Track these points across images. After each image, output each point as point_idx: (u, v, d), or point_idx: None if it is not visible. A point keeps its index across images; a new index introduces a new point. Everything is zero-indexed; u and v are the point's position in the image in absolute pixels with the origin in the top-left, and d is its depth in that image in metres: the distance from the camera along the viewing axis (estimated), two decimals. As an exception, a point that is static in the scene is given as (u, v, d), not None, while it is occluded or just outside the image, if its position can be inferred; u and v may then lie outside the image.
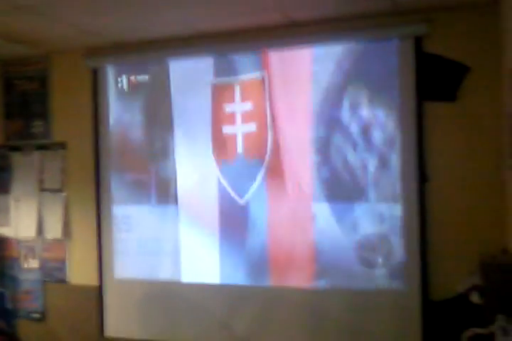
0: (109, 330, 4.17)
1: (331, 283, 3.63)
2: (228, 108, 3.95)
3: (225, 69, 3.93)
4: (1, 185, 4.52)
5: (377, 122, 3.55)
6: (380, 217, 3.52)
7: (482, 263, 2.71)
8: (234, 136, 3.93)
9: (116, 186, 4.20)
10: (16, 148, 4.48)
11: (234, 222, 3.89)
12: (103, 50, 4.15)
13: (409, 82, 3.45)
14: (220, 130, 3.95)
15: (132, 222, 4.13)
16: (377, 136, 3.55)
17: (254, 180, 3.85)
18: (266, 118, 3.84)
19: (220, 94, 3.97)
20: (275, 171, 3.80)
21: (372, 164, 3.55)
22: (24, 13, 3.36)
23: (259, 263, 3.81)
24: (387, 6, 3.35)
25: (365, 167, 3.57)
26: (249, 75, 3.88)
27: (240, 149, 3.92)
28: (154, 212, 4.08)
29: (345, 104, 3.61)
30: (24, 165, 4.46)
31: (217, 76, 3.97)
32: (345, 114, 3.61)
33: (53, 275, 4.36)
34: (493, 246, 3.11)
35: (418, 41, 3.43)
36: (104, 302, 4.17)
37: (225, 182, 3.94)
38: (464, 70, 3.36)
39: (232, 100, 3.93)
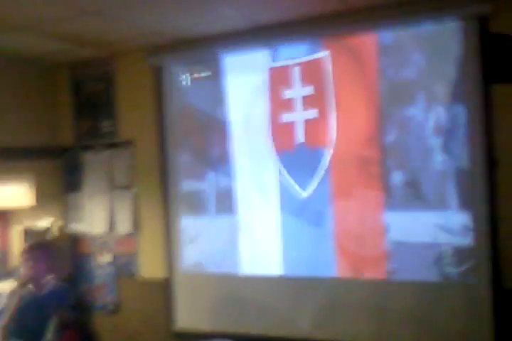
0: (179, 323, 4.25)
1: (400, 275, 3.54)
2: (287, 93, 3.84)
3: (283, 52, 3.82)
4: (74, 183, 4.70)
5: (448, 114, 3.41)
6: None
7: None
8: (294, 124, 3.81)
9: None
10: (86, 148, 4.65)
11: (296, 215, 3.83)
12: (165, 48, 4.22)
13: (475, 65, 3.31)
14: (279, 118, 3.85)
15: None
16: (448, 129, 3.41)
17: (318, 170, 3.74)
18: (329, 104, 3.68)
19: (278, 79, 3.85)
20: (340, 160, 3.69)
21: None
22: (91, 17, 3.48)
23: (325, 255, 3.75)
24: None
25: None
26: (310, 56, 3.72)
27: (300, 138, 3.80)
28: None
29: (419, 99, 3.48)
30: (95, 164, 4.62)
31: (275, 60, 3.87)
32: (419, 111, 3.48)
33: (125, 269, 4.50)
34: None
35: (482, 21, 3.29)
36: (173, 295, 4.26)
37: (285, 174, 3.87)
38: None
39: (291, 85, 3.82)
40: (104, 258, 4.58)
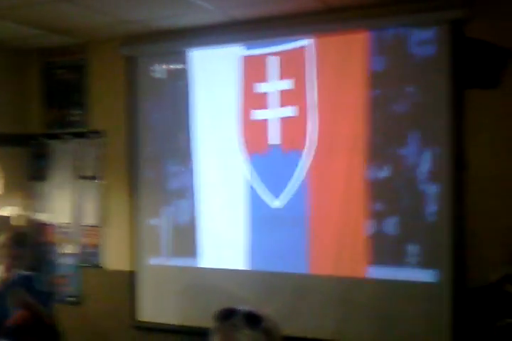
0: (142, 315, 4.22)
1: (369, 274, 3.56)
2: (262, 87, 3.52)
3: (258, 39, 3.50)
4: (39, 172, 4.62)
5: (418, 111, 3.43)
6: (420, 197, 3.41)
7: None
8: (268, 123, 3.50)
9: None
10: (54, 136, 4.57)
11: (267, 224, 3.63)
12: (138, 39, 4.17)
13: (448, 70, 3.36)
14: (251, 115, 3.56)
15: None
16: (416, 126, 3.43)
17: (293, 177, 3.40)
18: (310, 101, 3.35)
19: (251, 69, 3.53)
20: (321, 167, 3.42)
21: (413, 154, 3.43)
22: (63, 3, 3.42)
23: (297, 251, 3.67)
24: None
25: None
26: (290, 44, 3.36)
27: (275, 139, 3.48)
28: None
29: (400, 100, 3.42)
30: (62, 153, 4.56)
31: (249, 48, 3.58)
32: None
33: (89, 260, 4.45)
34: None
35: (458, 25, 3.34)
36: (138, 288, 4.23)
37: (256, 179, 3.58)
38: (507, 55, 3.26)
39: (267, 77, 3.50)
40: (69, 249, 4.52)
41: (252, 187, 3.68)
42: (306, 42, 3.41)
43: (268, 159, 3.57)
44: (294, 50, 3.42)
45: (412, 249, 3.42)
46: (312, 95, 3.43)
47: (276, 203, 3.55)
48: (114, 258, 4.36)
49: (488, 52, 3.31)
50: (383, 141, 3.50)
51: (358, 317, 3.57)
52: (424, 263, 3.41)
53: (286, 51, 3.46)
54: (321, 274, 3.67)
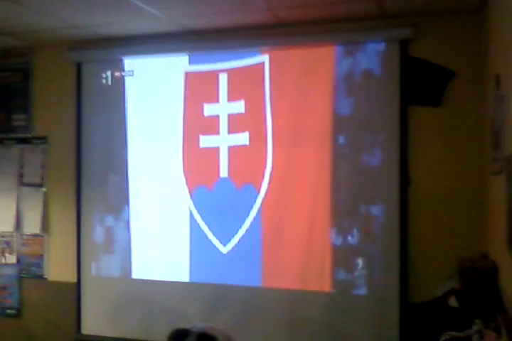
0: (86, 328, 4.11)
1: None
2: (210, 110, 3.25)
3: (206, 53, 3.24)
4: (-20, 178, 4.43)
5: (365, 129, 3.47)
6: (364, 220, 3.49)
7: (461, 267, 2.73)
8: (215, 151, 3.15)
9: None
10: (-4, 141, 4.41)
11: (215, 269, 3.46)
12: (87, 44, 4.08)
13: (394, 86, 3.44)
14: (196, 142, 3.28)
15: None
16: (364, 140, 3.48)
17: (245, 217, 3.06)
18: (265, 126, 3.12)
19: (196, 88, 3.27)
20: (275, 204, 3.18)
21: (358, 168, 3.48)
22: (8, 3, 3.30)
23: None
24: (373, 9, 3.35)
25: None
26: (243, 61, 3.12)
27: (224, 171, 3.18)
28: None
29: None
30: (4, 159, 4.39)
31: (194, 62, 3.31)
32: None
33: (30, 270, 4.30)
34: (473, 251, 3.13)
35: (404, 45, 3.43)
36: (81, 300, 4.11)
37: (199, 219, 3.28)
38: (449, 75, 3.37)
39: (215, 98, 3.31)
40: (8, 259, 4.35)
41: (194, 230, 3.39)
42: (260, 60, 3.22)
43: (215, 195, 3.25)
44: (247, 67, 3.20)
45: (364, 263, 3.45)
46: (267, 120, 3.19)
47: (224, 250, 3.30)
48: (58, 269, 4.23)
49: (431, 71, 3.41)
50: (347, 166, 3.49)
51: (305, 331, 3.58)
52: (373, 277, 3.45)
53: (237, 68, 3.22)
54: (271, 287, 3.62)
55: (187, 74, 3.43)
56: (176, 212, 3.61)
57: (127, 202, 3.96)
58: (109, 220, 4.05)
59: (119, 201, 4.00)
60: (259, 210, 3.11)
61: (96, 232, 4.11)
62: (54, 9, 3.41)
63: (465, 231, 3.32)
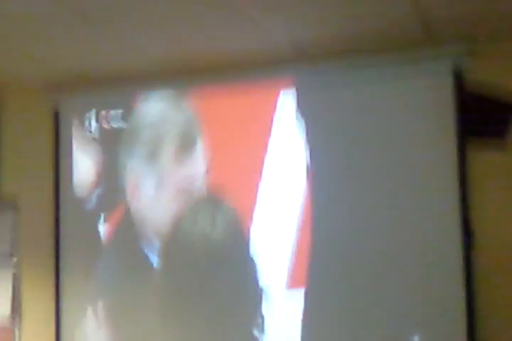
0: None
1: None
2: None
3: None
4: None
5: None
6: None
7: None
8: None
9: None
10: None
11: None
12: (67, 88, 3.51)
13: (449, 125, 2.88)
14: None
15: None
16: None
17: None
18: None
19: None
20: None
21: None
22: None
23: None
24: (420, 34, 2.79)
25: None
26: None
27: None
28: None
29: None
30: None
31: None
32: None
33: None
34: None
35: (458, 77, 2.87)
36: None
37: None
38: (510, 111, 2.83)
39: None
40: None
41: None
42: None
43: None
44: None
45: None
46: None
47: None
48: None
49: (492, 108, 2.87)
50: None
51: None
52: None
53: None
54: None
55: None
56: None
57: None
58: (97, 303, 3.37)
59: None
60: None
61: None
62: (20, 45, 2.84)
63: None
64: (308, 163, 3.07)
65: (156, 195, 3.26)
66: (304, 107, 3.11)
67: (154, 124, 3.30)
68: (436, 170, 2.90)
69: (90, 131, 3.48)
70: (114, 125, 3.40)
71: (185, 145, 3.22)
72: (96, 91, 3.46)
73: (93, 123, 3.47)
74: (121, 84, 3.39)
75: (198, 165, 3.20)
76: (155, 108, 3.34)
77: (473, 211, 2.86)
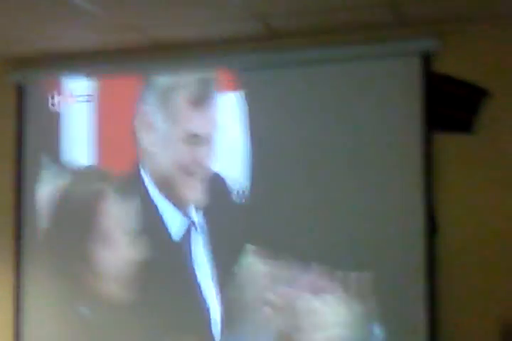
0: None
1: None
2: None
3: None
4: None
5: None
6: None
7: (505, 332, 2.48)
8: None
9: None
10: None
11: None
12: (33, 62, 3.38)
13: (415, 110, 2.82)
14: None
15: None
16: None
17: None
18: None
19: None
20: None
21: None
22: None
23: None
24: (388, 16, 2.74)
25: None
26: None
27: None
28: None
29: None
30: None
31: None
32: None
33: None
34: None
35: (426, 59, 2.82)
36: None
37: None
38: (481, 94, 2.77)
39: None
40: None
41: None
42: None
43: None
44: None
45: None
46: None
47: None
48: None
49: (460, 90, 2.81)
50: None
51: None
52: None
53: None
54: None
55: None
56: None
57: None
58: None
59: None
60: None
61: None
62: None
63: (508, 287, 2.68)
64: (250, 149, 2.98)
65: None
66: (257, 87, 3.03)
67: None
68: (401, 158, 2.83)
69: (53, 105, 3.35)
70: (78, 99, 3.29)
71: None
72: (60, 65, 3.34)
73: (56, 97, 3.35)
74: (84, 58, 3.28)
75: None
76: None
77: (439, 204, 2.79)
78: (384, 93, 2.87)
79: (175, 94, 3.05)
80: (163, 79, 3.09)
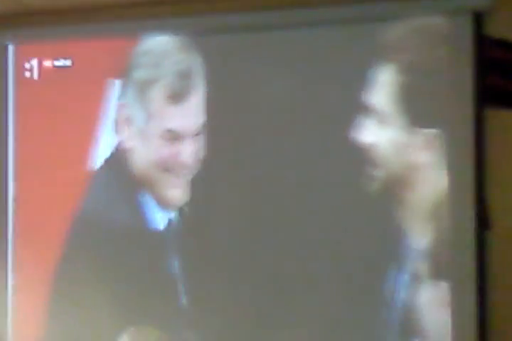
0: None
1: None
2: None
3: None
4: None
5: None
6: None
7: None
8: None
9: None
10: None
11: None
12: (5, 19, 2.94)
13: (464, 82, 2.37)
14: None
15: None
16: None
17: None
18: None
19: None
20: None
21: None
22: None
23: None
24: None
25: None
26: None
27: None
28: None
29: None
30: None
31: None
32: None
33: None
34: None
35: (477, 20, 2.38)
36: None
37: None
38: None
39: None
40: None
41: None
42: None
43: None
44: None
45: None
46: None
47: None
48: None
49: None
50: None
51: None
52: None
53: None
54: None
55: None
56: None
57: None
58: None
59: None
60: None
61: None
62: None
63: None
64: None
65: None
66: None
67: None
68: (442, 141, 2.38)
69: (30, 70, 2.97)
70: (57, 63, 2.90)
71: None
72: (41, 26, 2.90)
73: (34, 62, 2.95)
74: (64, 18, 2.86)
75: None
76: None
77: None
78: (423, 64, 2.41)
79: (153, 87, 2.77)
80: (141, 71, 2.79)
